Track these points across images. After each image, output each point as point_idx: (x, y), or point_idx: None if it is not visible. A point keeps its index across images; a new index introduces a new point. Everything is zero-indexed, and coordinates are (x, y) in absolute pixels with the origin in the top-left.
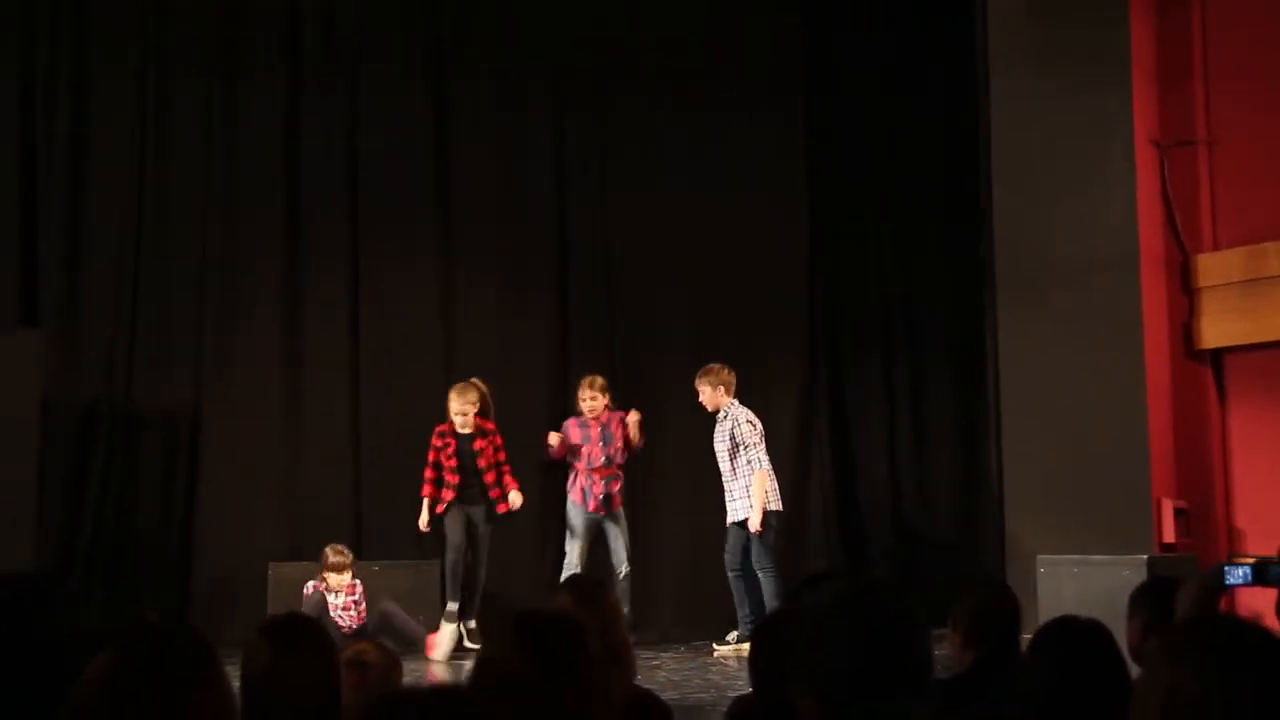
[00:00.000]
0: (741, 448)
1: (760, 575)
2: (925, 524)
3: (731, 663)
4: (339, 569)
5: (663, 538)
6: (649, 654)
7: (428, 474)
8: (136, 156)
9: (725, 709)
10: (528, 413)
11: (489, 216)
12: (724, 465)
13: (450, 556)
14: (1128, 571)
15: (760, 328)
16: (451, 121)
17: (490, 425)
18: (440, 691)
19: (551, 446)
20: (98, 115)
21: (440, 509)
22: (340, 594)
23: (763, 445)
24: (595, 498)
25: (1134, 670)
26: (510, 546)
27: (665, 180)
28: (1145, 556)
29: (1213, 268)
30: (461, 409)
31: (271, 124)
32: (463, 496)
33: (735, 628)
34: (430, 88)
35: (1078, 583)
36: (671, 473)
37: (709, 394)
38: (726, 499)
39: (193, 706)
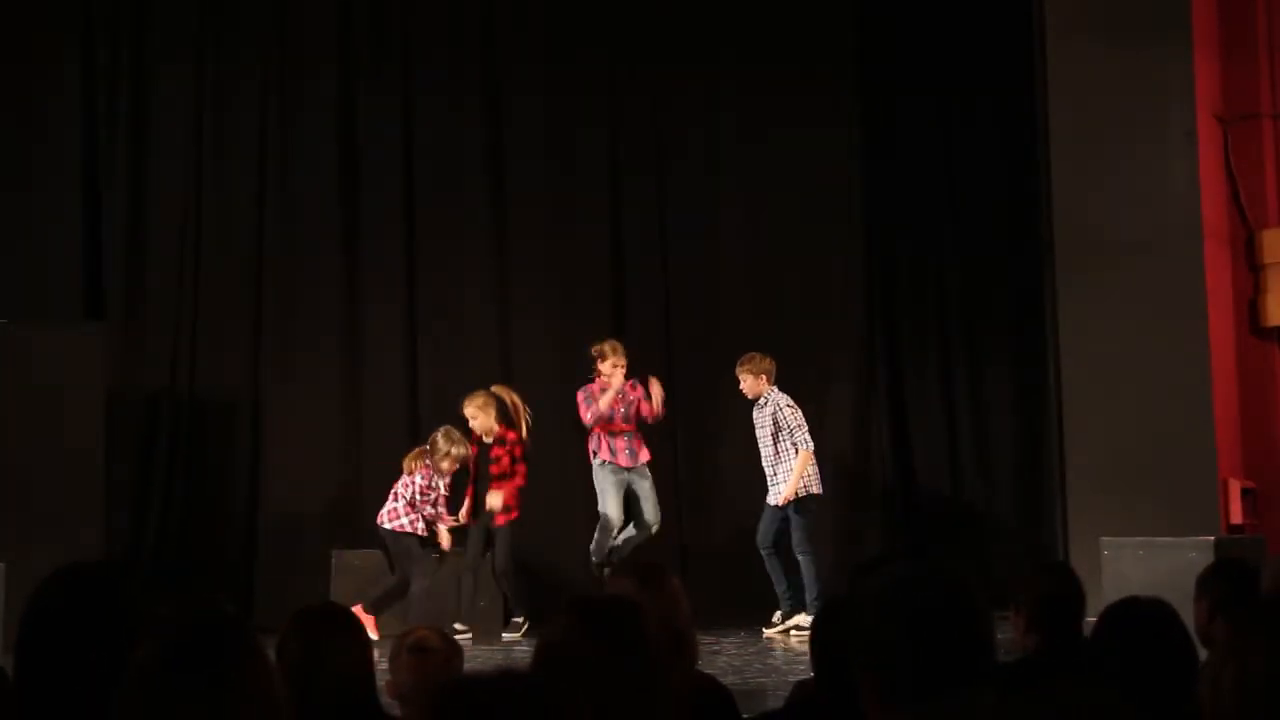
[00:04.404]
0: (785, 431)
1: (800, 559)
2: (986, 506)
3: (779, 645)
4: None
5: (719, 528)
6: (710, 639)
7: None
8: (195, 151)
9: (786, 693)
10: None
11: (544, 207)
12: (766, 449)
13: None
14: (1194, 553)
15: (817, 306)
16: (504, 114)
17: (511, 435)
18: (506, 676)
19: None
20: (157, 111)
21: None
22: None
23: (806, 427)
24: (623, 452)
25: (1201, 652)
26: (561, 530)
27: (719, 174)
28: (1212, 538)
29: (1278, 244)
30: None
31: (326, 117)
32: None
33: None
34: (483, 74)
35: (1143, 565)
36: (728, 465)
37: (750, 382)
38: (769, 482)
39: (241, 692)
